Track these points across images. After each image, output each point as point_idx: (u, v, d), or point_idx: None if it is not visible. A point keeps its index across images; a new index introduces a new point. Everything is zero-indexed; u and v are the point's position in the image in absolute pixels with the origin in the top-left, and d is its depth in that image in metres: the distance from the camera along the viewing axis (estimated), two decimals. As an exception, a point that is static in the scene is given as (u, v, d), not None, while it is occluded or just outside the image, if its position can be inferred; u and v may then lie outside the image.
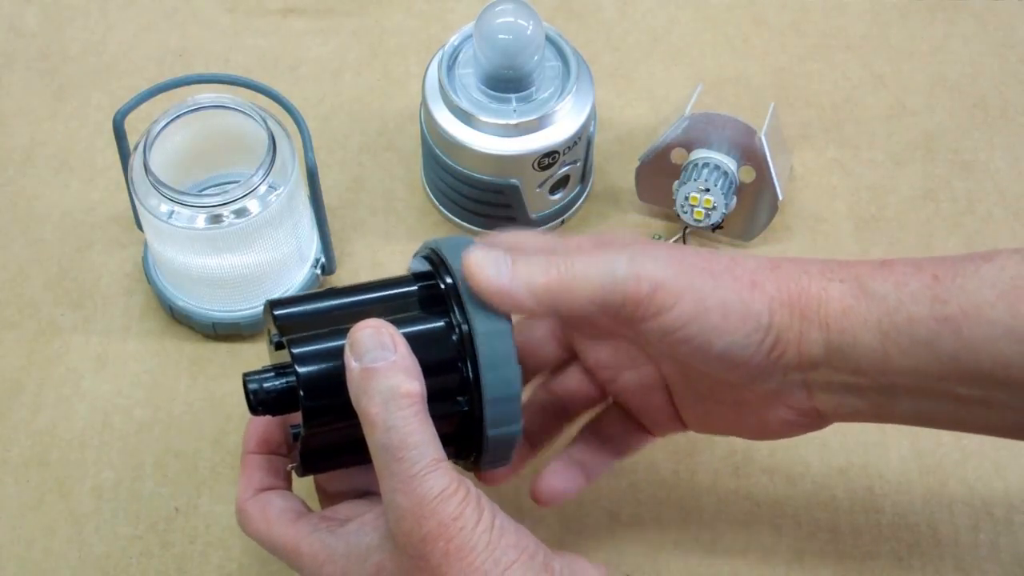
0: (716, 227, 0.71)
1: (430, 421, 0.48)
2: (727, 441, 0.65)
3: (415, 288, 0.53)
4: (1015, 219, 0.75)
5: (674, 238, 0.73)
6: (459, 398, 0.51)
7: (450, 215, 0.74)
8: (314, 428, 0.50)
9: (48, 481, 0.64)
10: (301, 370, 0.49)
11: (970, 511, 0.64)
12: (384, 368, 0.47)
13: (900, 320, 0.48)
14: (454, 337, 0.51)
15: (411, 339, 0.49)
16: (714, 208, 0.70)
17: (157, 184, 0.63)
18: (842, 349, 0.49)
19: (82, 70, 0.81)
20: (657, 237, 0.73)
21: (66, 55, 0.82)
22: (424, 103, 0.71)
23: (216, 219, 0.63)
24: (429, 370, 0.49)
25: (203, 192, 0.68)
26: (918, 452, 0.66)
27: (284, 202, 0.64)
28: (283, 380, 0.50)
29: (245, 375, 0.51)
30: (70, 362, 0.68)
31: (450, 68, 0.70)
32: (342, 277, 0.72)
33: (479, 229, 0.73)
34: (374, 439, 0.47)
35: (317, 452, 0.51)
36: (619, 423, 0.58)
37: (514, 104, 0.69)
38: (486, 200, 0.71)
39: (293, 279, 0.69)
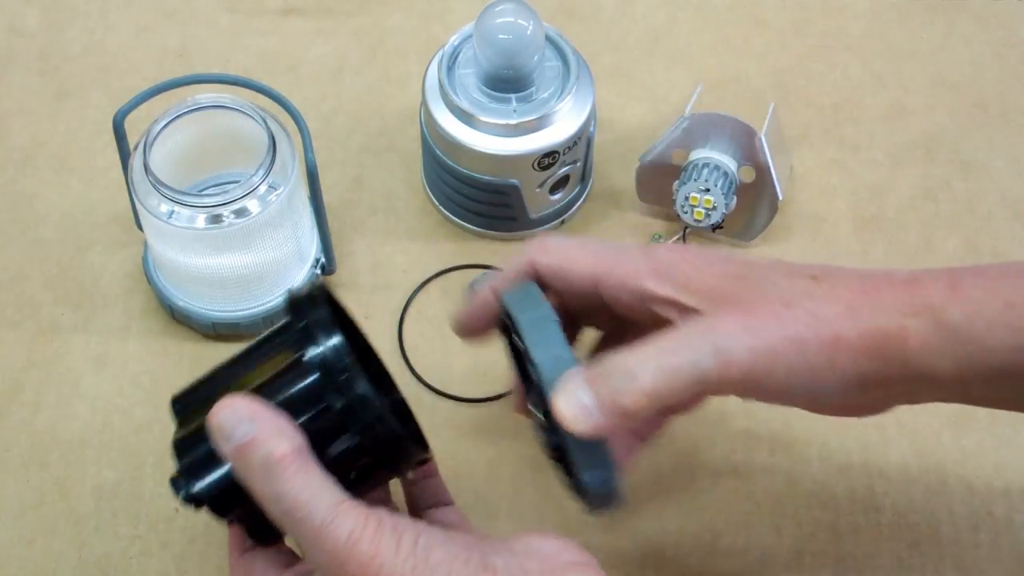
0: (716, 227, 0.71)
1: (316, 468, 0.47)
2: (727, 441, 0.65)
3: (285, 336, 0.52)
4: (1015, 219, 0.75)
5: (674, 238, 0.73)
6: (347, 415, 0.49)
7: (450, 215, 0.74)
8: (237, 518, 0.51)
9: (48, 481, 0.64)
10: (196, 488, 0.50)
11: (970, 511, 0.64)
12: (250, 443, 0.47)
13: (977, 351, 0.48)
14: (317, 374, 0.49)
15: (282, 390, 0.49)
16: (714, 208, 0.70)
17: (157, 184, 0.63)
18: (925, 378, 0.49)
19: (82, 70, 0.81)
20: (657, 237, 0.73)
21: (66, 55, 0.82)
22: (424, 103, 0.71)
23: (216, 219, 0.63)
24: (303, 409, 0.49)
25: (203, 192, 0.68)
26: (918, 452, 0.66)
27: (284, 202, 0.64)
28: (204, 482, 0.50)
29: (171, 481, 0.51)
30: (70, 362, 0.68)
31: (450, 68, 0.70)
32: (342, 277, 0.72)
33: (479, 229, 0.73)
34: (271, 510, 0.47)
35: (257, 528, 0.51)
36: None
37: (514, 104, 0.69)
38: (486, 200, 0.71)
39: (293, 279, 0.69)
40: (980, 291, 0.49)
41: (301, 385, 0.49)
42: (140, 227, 0.68)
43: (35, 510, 0.63)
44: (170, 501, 0.64)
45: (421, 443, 0.55)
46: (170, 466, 0.65)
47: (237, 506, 0.49)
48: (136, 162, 0.64)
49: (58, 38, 0.83)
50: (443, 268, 0.72)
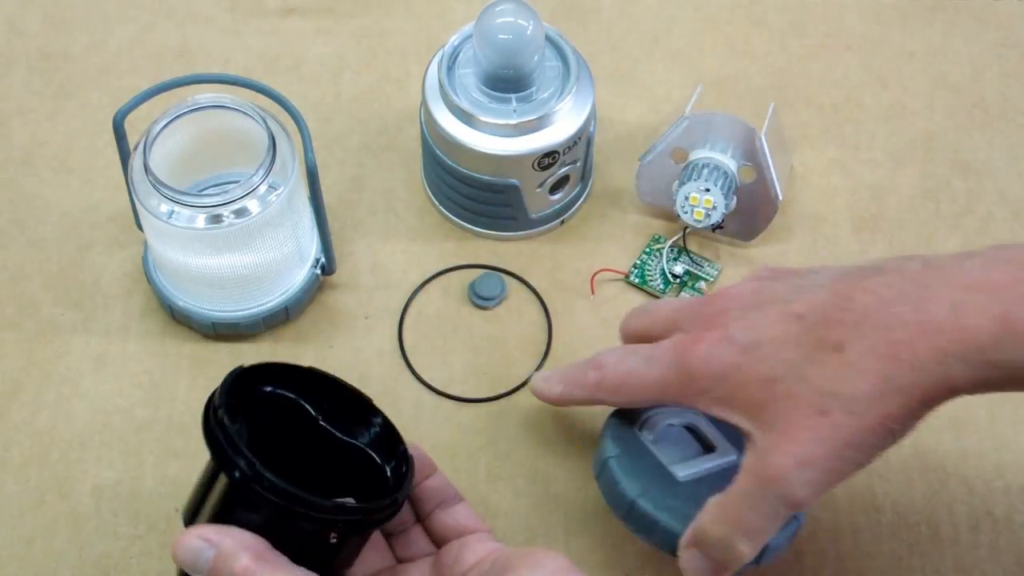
0: (716, 227, 0.71)
1: (283, 563, 0.50)
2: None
3: (211, 456, 0.53)
4: (1015, 219, 0.75)
5: (674, 238, 0.73)
6: (283, 514, 0.51)
7: (450, 215, 0.74)
8: None
9: (48, 481, 0.64)
10: None
11: (970, 511, 0.64)
12: (213, 568, 0.49)
13: None
14: (246, 489, 0.51)
15: (231, 504, 0.52)
16: (714, 208, 0.70)
17: (157, 184, 0.63)
18: (977, 391, 0.50)
19: (82, 70, 0.81)
20: (657, 238, 0.73)
21: (66, 55, 0.82)
22: (424, 103, 0.71)
23: (216, 219, 0.63)
24: (255, 515, 0.51)
25: (203, 192, 0.68)
26: (918, 452, 0.66)
27: (284, 202, 0.64)
28: None
29: None
30: (70, 362, 0.68)
31: (450, 68, 0.70)
32: (342, 277, 0.72)
33: (479, 229, 0.73)
34: None
35: None
36: None
37: (514, 104, 0.69)
38: (486, 200, 0.71)
39: (293, 279, 0.69)
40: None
41: (240, 500, 0.51)
42: (140, 227, 0.68)
43: (35, 510, 0.63)
44: (170, 501, 0.64)
45: (405, 476, 0.56)
46: (170, 466, 0.65)
47: None
48: (136, 162, 0.64)
49: (58, 38, 0.83)
50: (443, 268, 0.73)
